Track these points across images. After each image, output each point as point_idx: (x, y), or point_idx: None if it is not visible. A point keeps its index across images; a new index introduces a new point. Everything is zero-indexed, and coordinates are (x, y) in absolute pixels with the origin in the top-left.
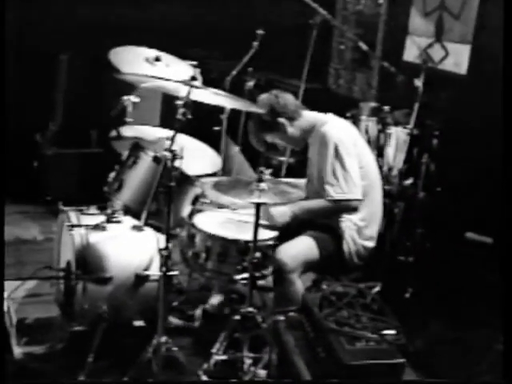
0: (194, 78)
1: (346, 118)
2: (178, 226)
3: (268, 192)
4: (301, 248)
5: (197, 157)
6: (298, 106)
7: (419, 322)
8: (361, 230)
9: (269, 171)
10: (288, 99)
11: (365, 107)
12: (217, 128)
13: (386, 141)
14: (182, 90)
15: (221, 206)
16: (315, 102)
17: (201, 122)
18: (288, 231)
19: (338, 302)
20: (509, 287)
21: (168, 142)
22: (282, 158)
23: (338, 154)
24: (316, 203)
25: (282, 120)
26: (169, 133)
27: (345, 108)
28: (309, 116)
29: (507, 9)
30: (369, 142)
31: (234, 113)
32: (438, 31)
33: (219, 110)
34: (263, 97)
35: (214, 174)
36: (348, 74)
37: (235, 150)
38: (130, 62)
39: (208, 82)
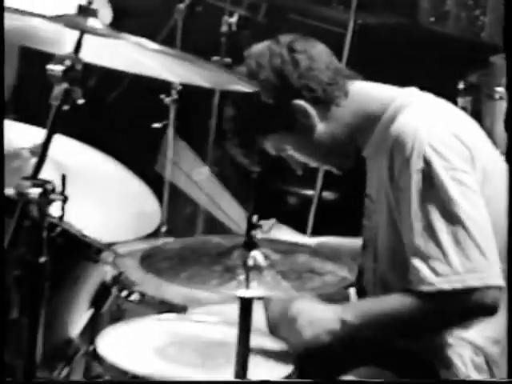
0: (88, 11)
1: (457, 93)
2: (61, 357)
3: (270, 272)
4: None
5: (104, 197)
6: (341, 71)
7: None
8: (495, 363)
9: (270, 223)
10: (318, 54)
11: (502, 65)
12: (156, 125)
13: None
14: (62, 40)
15: (165, 307)
16: (385, 55)
17: (113, 114)
18: (326, 366)
19: None
20: None
21: (35, 160)
22: (308, 192)
23: (436, 182)
24: (395, 303)
25: (300, 104)
26: (38, 136)
27: (456, 69)
28: (365, 95)
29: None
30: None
31: (194, 91)
32: None
33: (160, 85)
34: (259, 49)
35: (148, 235)
36: None
37: (202, 172)
38: None
39: (129, 20)
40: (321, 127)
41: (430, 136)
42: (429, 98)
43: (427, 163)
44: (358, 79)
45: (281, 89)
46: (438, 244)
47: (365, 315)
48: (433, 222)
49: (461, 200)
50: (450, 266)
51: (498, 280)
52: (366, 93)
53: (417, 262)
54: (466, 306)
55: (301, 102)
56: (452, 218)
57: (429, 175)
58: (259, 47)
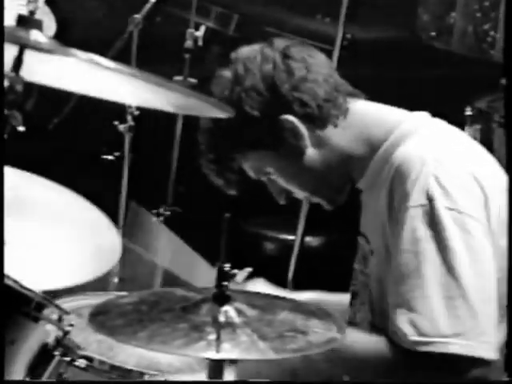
0: (30, 22)
1: (463, 121)
2: None
3: (245, 330)
4: None
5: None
6: (341, 87)
7: None
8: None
9: (245, 273)
10: (317, 64)
11: None
12: (108, 157)
13: None
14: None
15: (117, 373)
16: (377, 75)
17: (55, 144)
18: None
19: None
20: None
21: None
22: (288, 237)
23: (435, 224)
24: (371, 349)
25: (289, 120)
26: None
27: (462, 93)
28: (367, 117)
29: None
30: None
31: (153, 117)
32: None
33: (113, 110)
34: (250, 51)
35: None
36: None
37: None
38: None
39: (75, 32)
40: (312, 150)
41: (438, 169)
42: (441, 125)
43: (429, 199)
44: (360, 98)
45: (269, 99)
46: (426, 296)
47: (347, 357)
48: (423, 268)
49: (461, 250)
50: (435, 326)
51: (487, 353)
52: (368, 114)
53: (399, 313)
54: (443, 372)
55: (291, 118)
56: (447, 268)
57: (428, 214)
58: (250, 49)
